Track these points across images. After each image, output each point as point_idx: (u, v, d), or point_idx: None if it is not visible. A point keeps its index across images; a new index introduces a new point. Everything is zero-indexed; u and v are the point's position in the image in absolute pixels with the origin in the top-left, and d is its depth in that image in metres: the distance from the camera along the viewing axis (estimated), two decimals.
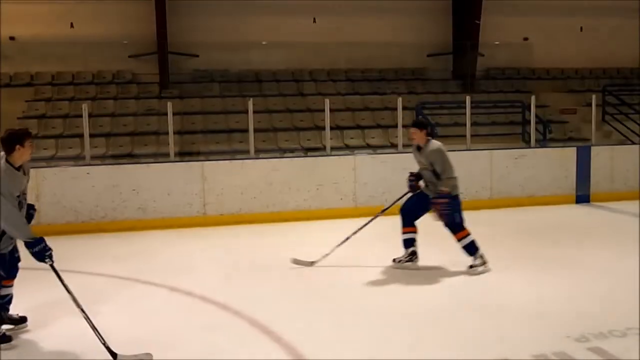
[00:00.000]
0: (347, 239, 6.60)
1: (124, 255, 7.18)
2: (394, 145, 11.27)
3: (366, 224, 6.67)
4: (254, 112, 9.47)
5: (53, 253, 4.31)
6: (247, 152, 9.59)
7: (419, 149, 6.21)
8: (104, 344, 4.10)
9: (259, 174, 9.03)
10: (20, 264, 4.69)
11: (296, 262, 6.47)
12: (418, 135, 6.14)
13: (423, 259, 6.29)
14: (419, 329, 4.58)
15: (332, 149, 9.91)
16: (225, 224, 8.71)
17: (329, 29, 14.56)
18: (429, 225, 6.22)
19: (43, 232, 8.26)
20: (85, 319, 4.25)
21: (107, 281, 6.15)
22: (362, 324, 4.73)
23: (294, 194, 9.11)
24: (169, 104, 9.28)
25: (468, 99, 10.25)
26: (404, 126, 10.13)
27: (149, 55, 13.97)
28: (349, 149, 11.85)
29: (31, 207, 4.73)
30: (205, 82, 14.07)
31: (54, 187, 8.55)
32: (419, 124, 6.19)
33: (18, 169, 4.35)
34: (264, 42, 14.80)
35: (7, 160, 4.31)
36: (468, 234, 6.09)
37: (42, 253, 4.24)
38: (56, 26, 13.70)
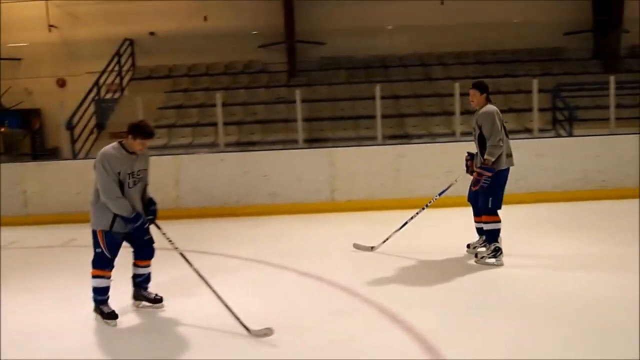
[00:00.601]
0: (405, 224, 6.43)
1: (256, 239, 7.39)
2: (528, 130, 10.71)
3: (422, 209, 6.49)
4: (381, 98, 9.37)
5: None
6: (375, 138, 9.52)
7: (474, 111, 5.91)
8: (238, 319, 4.22)
9: (386, 160, 8.94)
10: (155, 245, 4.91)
11: (356, 246, 6.37)
12: (477, 98, 5.77)
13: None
14: (565, 324, 4.26)
15: (462, 134, 9.58)
16: (354, 210, 8.71)
17: (457, 10, 14.04)
18: None
19: (182, 215, 8.79)
20: (217, 297, 4.42)
21: (240, 263, 6.35)
22: (498, 316, 4.50)
23: (423, 181, 8.91)
24: (298, 92, 9.42)
25: (612, 79, 9.52)
26: (540, 110, 9.64)
27: (278, 44, 14.26)
28: None
29: (152, 203, 4.92)
30: (332, 69, 14.13)
31: (191, 173, 8.97)
32: (479, 86, 5.78)
33: (131, 152, 4.63)
34: (389, 27, 14.62)
35: (120, 142, 4.65)
36: (498, 221, 5.75)
37: (135, 223, 4.61)
38: (191, 21, 14.35)
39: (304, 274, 5.76)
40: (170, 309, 4.97)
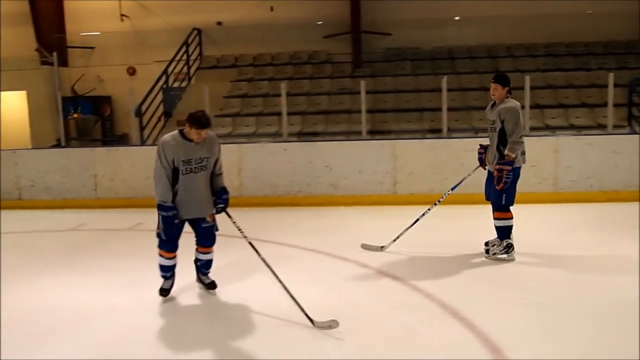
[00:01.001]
0: (416, 221, 6.29)
1: (318, 229, 7.38)
2: (602, 126, 10.28)
3: (431, 208, 6.36)
4: (448, 90, 9.18)
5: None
6: (440, 131, 9.34)
7: (493, 106, 5.75)
8: (302, 310, 4.23)
9: (451, 154, 8.74)
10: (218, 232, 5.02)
11: (365, 247, 6.20)
12: (499, 92, 5.65)
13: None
14: (630, 329, 4.06)
15: (532, 129, 9.28)
16: (416, 204, 8.52)
17: (528, 1, 13.58)
18: None
19: (244, 203, 8.89)
20: (283, 287, 4.44)
21: (301, 253, 6.36)
22: (564, 318, 4.33)
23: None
24: (362, 83, 9.33)
25: None
26: (615, 105, 9.25)
27: (343, 35, 14.18)
28: (550, 129, 11.04)
29: (224, 192, 4.99)
30: (397, 60, 13.95)
31: (254, 162, 9.05)
32: (501, 79, 5.67)
33: (190, 140, 4.72)
34: (457, 18, 14.29)
35: (181, 130, 4.77)
36: (510, 217, 5.65)
37: (160, 208, 4.77)
38: (257, 11, 14.44)
39: (365, 266, 5.71)
40: (231, 295, 5.02)
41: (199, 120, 4.66)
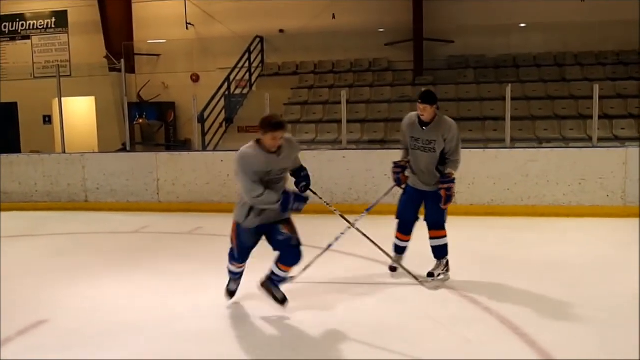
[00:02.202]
0: (329, 245, 5.74)
1: (375, 238, 7.28)
2: None
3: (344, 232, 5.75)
4: (512, 99, 8.96)
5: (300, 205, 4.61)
6: (503, 140, 9.12)
7: (423, 125, 5.35)
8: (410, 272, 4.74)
9: (514, 164, 8.53)
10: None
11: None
12: (429, 112, 5.30)
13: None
14: None
15: (599, 140, 8.94)
16: (475, 215, 8.40)
17: (598, 7, 13.08)
18: None
19: (303, 209, 8.88)
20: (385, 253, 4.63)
21: (357, 261, 6.30)
22: (628, 337, 4.11)
23: (553, 187, 8.42)
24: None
25: None
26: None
27: (405, 42, 14.07)
28: (619, 140, 10.61)
29: (303, 169, 5.05)
30: (460, 68, 13.73)
31: (312, 168, 8.81)
32: (430, 99, 5.29)
33: (270, 152, 4.45)
34: (522, 25, 13.96)
35: (257, 141, 4.49)
36: (446, 235, 5.53)
37: (286, 206, 4.54)
38: (319, 18, 14.51)
39: (419, 275, 5.60)
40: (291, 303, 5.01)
41: (270, 122, 4.39)
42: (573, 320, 4.50)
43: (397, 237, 5.75)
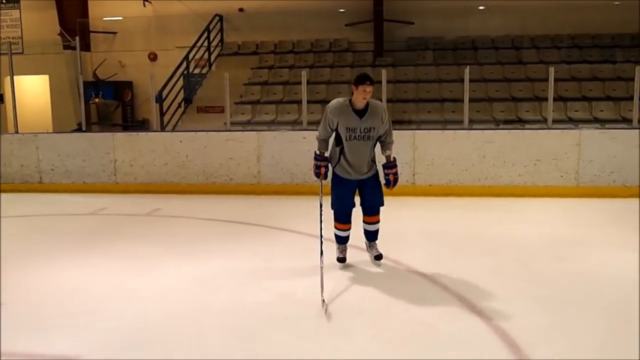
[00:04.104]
0: None
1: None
2: (626, 120, 10.10)
3: None
4: (470, 81, 9.06)
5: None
6: (461, 122, 9.23)
7: (357, 112, 4.95)
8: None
9: (472, 145, 8.65)
10: None
11: None
12: (370, 95, 4.92)
13: None
14: None
15: (554, 121, 9.13)
16: (434, 195, 8.52)
17: None
18: None
19: (262, 191, 8.89)
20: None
21: (317, 241, 6.31)
22: (583, 315, 4.26)
23: (509, 168, 8.58)
24: (383, 72, 9.23)
25: None
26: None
27: (365, 23, 14.07)
28: (573, 122, 10.88)
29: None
30: (419, 49, 13.83)
31: (272, 149, 9.03)
32: (371, 80, 4.91)
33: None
34: (481, 7, 14.10)
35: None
36: (380, 219, 5.47)
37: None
38: None
39: (383, 257, 5.66)
40: (252, 285, 5.01)
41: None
42: (528, 297, 4.61)
43: (337, 228, 5.39)
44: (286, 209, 7.93)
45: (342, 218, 5.34)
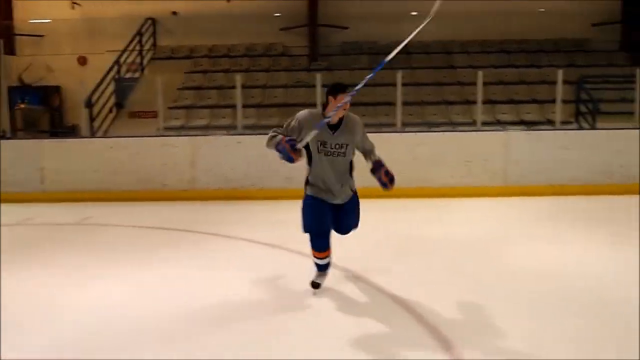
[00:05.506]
0: None
1: (272, 223, 7.33)
2: (550, 122, 10.52)
3: None
4: (402, 84, 9.25)
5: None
6: (394, 125, 9.41)
7: (331, 127, 4.49)
8: None
9: (405, 148, 8.83)
10: None
11: None
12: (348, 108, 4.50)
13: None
14: (576, 322, 4.16)
15: (483, 124, 9.44)
16: (367, 197, 8.44)
17: None
18: None
19: (197, 197, 8.79)
20: None
21: (254, 247, 6.31)
22: (515, 311, 4.40)
23: (441, 169, 8.80)
24: (318, 77, 9.32)
25: (639, 72, 9.28)
26: (564, 102, 9.47)
27: (300, 27, 14.13)
28: (501, 124, 11.25)
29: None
30: (354, 54, 13.99)
31: (207, 154, 8.95)
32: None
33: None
34: (414, 13, 14.39)
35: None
36: None
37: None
38: (214, 1, 14.24)
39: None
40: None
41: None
42: (460, 294, 4.74)
43: (316, 257, 4.77)
44: (222, 215, 7.87)
45: (319, 242, 4.69)
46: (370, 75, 4.50)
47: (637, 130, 9.00)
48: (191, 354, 3.76)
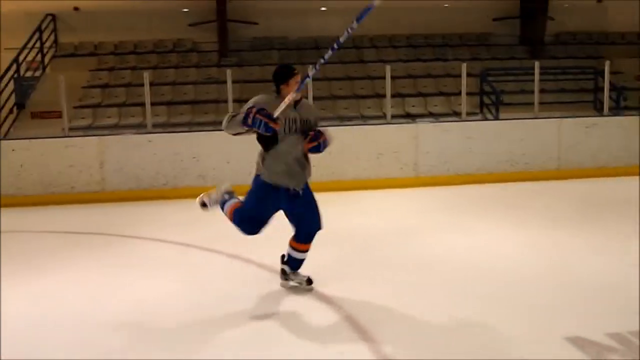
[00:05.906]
0: None
1: (185, 223, 7.22)
2: (457, 114, 10.94)
3: None
4: (314, 79, 9.31)
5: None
6: None
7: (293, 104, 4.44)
8: None
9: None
10: None
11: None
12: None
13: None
14: (485, 304, 4.37)
15: (393, 117, 9.68)
16: None
17: None
18: None
19: (107, 198, 8.52)
20: None
21: (168, 247, 6.21)
22: (425, 296, 4.58)
23: (353, 162, 8.95)
24: (228, 72, 9.24)
25: (537, 64, 9.80)
26: (468, 94, 9.85)
27: (209, 23, 13.94)
28: (410, 117, 11.57)
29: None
30: (264, 49, 13.97)
31: (116, 154, 8.69)
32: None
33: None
34: (323, 8, 14.54)
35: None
36: None
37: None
38: None
39: (233, 257, 5.69)
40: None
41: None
42: (373, 282, 4.88)
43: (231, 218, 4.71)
44: (133, 216, 7.67)
45: (249, 227, 4.58)
46: (322, 61, 4.56)
47: (536, 120, 9.52)
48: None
